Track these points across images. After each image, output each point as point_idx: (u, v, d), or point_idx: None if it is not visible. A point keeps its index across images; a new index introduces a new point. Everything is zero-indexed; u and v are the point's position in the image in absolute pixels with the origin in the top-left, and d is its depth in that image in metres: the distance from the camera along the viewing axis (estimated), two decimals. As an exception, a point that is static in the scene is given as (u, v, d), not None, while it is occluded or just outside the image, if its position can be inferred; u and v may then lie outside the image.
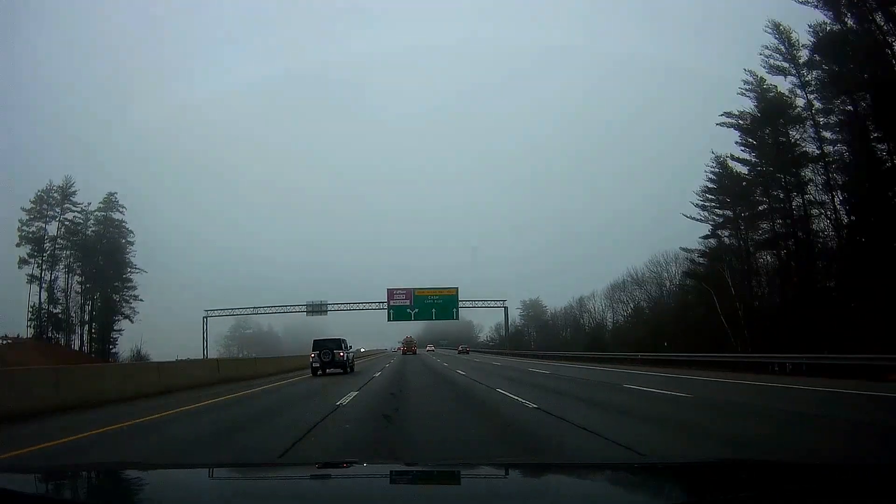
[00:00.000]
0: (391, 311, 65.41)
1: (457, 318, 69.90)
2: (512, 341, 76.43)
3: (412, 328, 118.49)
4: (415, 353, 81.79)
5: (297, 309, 69.76)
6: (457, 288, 66.21)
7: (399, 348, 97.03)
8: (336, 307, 68.22)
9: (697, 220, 43.05)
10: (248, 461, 6.24)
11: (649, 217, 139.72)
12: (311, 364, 27.36)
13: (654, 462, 4.28)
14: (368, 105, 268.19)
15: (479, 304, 70.43)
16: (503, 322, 75.67)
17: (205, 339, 71.73)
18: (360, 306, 67.89)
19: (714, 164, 42.64)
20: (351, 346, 31.83)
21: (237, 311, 77.51)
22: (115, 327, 68.90)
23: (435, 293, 65.63)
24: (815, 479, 2.43)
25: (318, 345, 27.86)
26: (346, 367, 28.47)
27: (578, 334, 74.77)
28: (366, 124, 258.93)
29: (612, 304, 68.30)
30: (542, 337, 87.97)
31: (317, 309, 68.33)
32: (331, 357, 27.17)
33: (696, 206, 42.98)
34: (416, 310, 65.01)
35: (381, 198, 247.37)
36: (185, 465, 4.80)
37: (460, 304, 66.47)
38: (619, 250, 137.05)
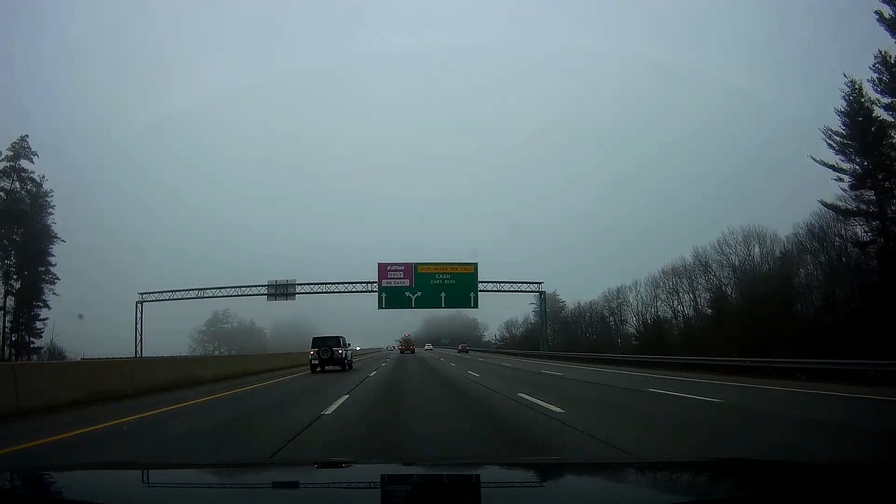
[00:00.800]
0: (383, 294, 50.97)
1: (475, 305, 52.58)
2: (529, 340, 64.98)
3: (412, 321, 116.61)
4: (413, 351, 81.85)
5: (254, 291, 57.03)
6: (475, 264, 52.07)
7: (397, 346, 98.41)
8: (308, 289, 55.07)
9: (827, 165, 32.78)
10: (247, 461, 6.19)
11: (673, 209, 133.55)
12: (311, 361, 28.90)
13: (655, 461, 4.31)
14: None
15: (507, 286, 55.38)
16: (531, 311, 63.26)
17: (138, 332, 60.24)
18: (342, 288, 54.38)
19: (849, 92, 32.34)
20: (349, 344, 33.31)
21: (178, 295, 64.58)
22: (39, 315, 57.60)
23: (445, 270, 51.08)
24: (815, 479, 2.50)
25: (318, 342, 29.74)
26: (345, 365, 30.08)
27: (608, 333, 64.69)
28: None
29: (656, 295, 55.71)
30: (562, 336, 76.70)
31: (281, 291, 55.54)
32: (329, 354, 28.87)
33: (833, 147, 32.61)
34: (419, 293, 50.05)
35: (371, 163, 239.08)
36: (182, 464, 4.88)
37: (480, 286, 52.29)
38: (640, 245, 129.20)
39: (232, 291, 60.65)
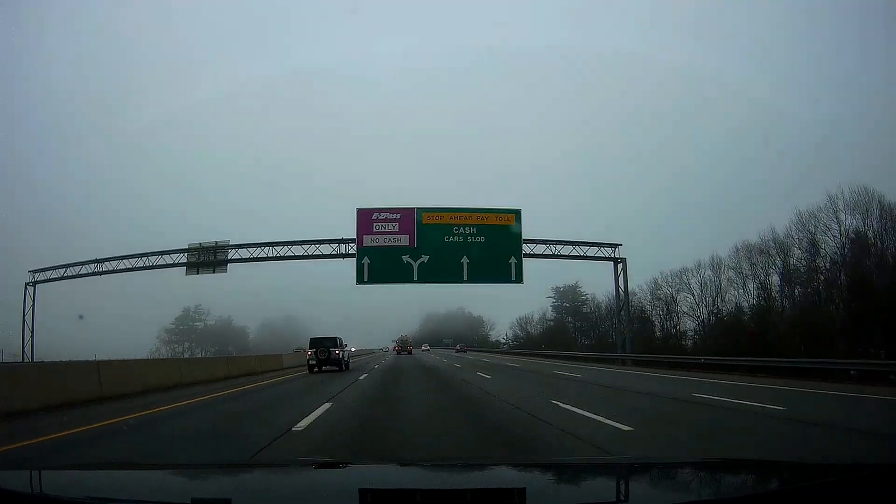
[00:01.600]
0: (365, 259, 32.53)
1: (518, 277, 32.65)
2: (551, 338, 49.38)
3: (410, 320, 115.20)
4: (410, 352, 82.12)
5: (171, 258, 39.38)
6: (517, 212, 33.29)
7: (392, 347, 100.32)
8: (248, 253, 36.98)
9: None
10: (244, 461, 6.37)
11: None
12: (308, 361, 29.86)
13: (655, 461, 4.35)
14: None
15: (565, 249, 36.22)
16: (548, 306, 46.80)
17: (28, 323, 46.17)
18: (299, 250, 36.12)
19: None
20: (346, 345, 33.40)
21: (75, 270, 47.90)
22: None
23: (468, 220, 32.40)
24: (815, 479, 2.52)
25: (315, 342, 30.45)
26: (342, 365, 30.77)
27: (650, 328, 52.56)
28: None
29: (730, 279, 45.09)
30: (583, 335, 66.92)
31: (207, 260, 37.79)
32: (327, 355, 29.78)
33: None
34: (424, 258, 31.75)
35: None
36: (181, 464, 5.00)
37: (526, 248, 33.58)
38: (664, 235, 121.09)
39: (139, 262, 43.21)
